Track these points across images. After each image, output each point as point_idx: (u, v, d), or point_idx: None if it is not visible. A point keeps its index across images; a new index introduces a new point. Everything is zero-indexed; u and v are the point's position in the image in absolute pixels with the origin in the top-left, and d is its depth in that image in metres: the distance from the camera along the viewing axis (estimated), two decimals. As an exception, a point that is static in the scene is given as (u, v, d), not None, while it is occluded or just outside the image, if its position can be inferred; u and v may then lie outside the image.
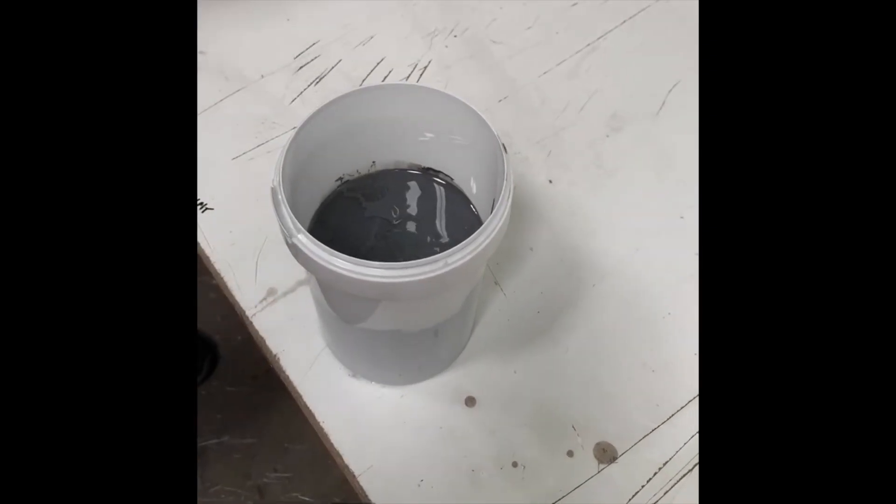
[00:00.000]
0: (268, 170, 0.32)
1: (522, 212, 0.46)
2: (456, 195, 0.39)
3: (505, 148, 0.32)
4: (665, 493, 0.37)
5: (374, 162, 0.39)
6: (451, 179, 0.38)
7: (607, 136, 0.50)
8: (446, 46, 0.54)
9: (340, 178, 0.38)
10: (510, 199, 0.31)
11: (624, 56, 0.54)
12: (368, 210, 0.38)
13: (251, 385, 1.01)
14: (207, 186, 0.46)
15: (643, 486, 0.37)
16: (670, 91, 0.52)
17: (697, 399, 0.40)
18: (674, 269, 0.44)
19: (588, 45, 0.54)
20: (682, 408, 0.40)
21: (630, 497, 0.37)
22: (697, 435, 0.39)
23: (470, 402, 0.40)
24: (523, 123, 0.50)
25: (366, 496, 0.37)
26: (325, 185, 0.38)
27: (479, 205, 0.38)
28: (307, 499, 0.95)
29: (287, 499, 0.95)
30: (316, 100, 0.51)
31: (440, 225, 0.38)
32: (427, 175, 0.39)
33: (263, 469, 0.96)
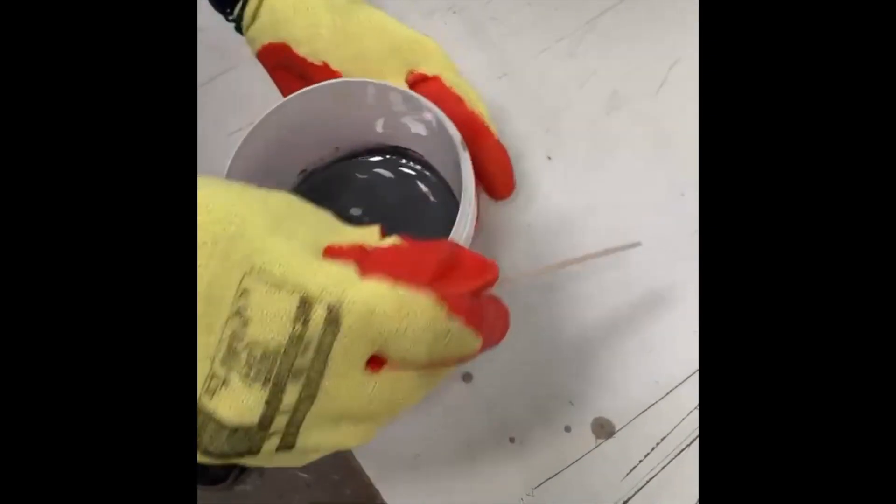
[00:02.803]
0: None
1: (520, 188, 0.46)
2: (428, 173, 0.38)
3: (464, 146, 0.31)
4: (662, 469, 0.37)
5: (337, 148, 0.38)
6: (422, 156, 0.38)
7: (607, 113, 0.50)
8: (445, 24, 0.54)
9: (304, 171, 0.38)
10: (471, 216, 0.30)
11: (624, 34, 0.53)
12: (338, 206, 0.38)
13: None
14: (203, 162, 0.46)
15: (640, 461, 0.38)
16: (671, 69, 0.52)
17: (695, 375, 0.40)
18: (674, 246, 0.44)
19: (587, 22, 0.54)
20: (680, 383, 0.40)
21: (627, 472, 0.37)
22: (695, 410, 0.39)
23: (467, 377, 0.40)
24: (522, 101, 0.50)
25: (362, 471, 0.37)
26: (289, 179, 0.38)
27: (450, 179, 0.37)
28: (306, 475, 0.96)
29: (286, 475, 0.96)
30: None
31: (412, 210, 0.37)
32: (395, 157, 0.38)
33: (262, 449, 0.97)
